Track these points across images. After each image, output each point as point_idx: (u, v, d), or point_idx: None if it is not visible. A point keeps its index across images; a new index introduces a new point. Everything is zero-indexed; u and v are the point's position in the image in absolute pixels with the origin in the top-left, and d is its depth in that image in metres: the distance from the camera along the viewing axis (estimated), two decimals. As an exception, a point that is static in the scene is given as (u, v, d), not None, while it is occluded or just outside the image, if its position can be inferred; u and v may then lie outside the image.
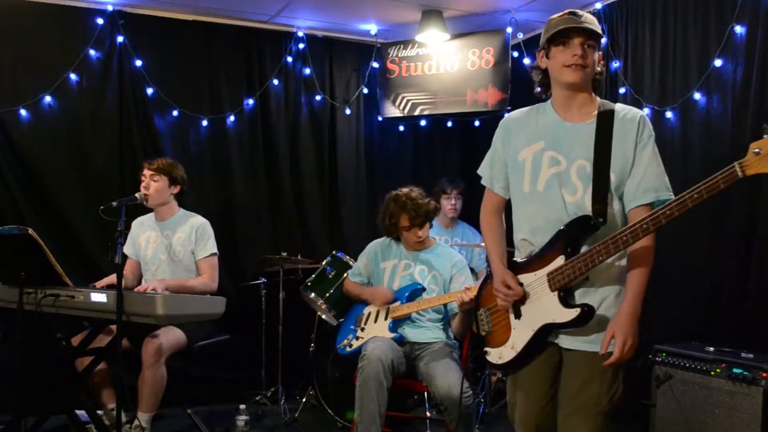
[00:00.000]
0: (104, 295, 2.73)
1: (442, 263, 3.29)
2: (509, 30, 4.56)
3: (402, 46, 4.83)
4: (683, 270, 3.59)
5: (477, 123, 5.03)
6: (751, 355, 2.89)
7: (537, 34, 4.73)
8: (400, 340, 3.16)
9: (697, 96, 3.54)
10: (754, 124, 3.25)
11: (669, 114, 3.68)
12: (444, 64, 4.74)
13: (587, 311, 1.90)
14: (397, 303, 3.22)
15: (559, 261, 1.95)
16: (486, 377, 4.03)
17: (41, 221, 4.08)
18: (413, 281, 3.26)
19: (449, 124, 5.14)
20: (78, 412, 3.12)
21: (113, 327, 2.92)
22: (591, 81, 2.03)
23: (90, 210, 3.77)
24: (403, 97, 4.84)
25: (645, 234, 1.80)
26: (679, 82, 3.66)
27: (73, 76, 4.22)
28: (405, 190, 3.31)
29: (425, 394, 3.22)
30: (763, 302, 3.18)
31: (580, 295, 1.98)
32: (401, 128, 5.16)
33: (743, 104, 3.33)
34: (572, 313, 1.91)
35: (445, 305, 3.20)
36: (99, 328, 3.11)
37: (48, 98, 4.16)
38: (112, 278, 3.24)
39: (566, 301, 1.94)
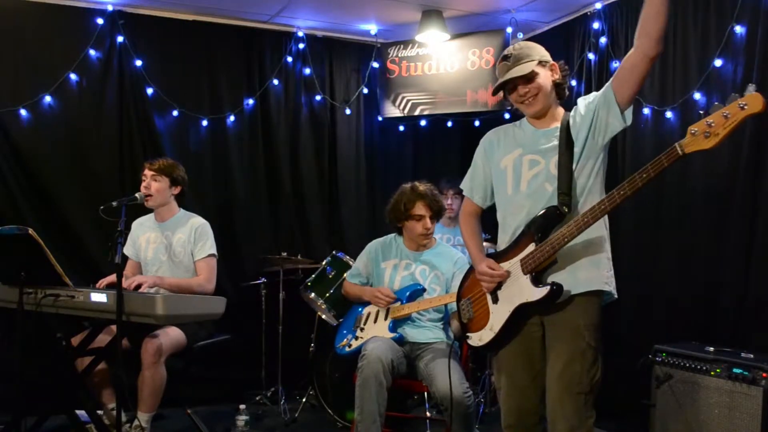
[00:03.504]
0: (104, 295, 2.72)
1: (443, 262, 3.28)
2: (509, 30, 4.55)
3: (402, 46, 4.83)
4: (683, 270, 3.59)
5: (477, 123, 5.03)
6: (751, 355, 2.89)
7: (537, 34, 4.74)
8: (400, 340, 3.16)
9: (697, 96, 3.53)
10: (754, 124, 3.24)
11: (669, 114, 3.68)
12: (444, 64, 4.74)
13: (556, 289, 2.10)
14: (398, 303, 3.22)
15: (530, 247, 2.17)
16: (486, 377, 4.03)
17: (41, 221, 4.08)
18: (414, 281, 3.26)
19: (449, 124, 5.13)
20: (78, 412, 3.11)
21: (113, 327, 2.91)
22: (553, 94, 2.27)
23: (90, 210, 3.77)
24: (403, 97, 4.84)
25: (603, 213, 2.02)
26: (679, 82, 3.66)
27: (73, 76, 4.22)
28: (422, 184, 3.31)
29: (425, 394, 3.22)
30: (763, 302, 3.18)
31: (550, 277, 2.17)
32: (401, 128, 5.16)
33: (743, 104, 3.32)
34: (543, 291, 2.11)
35: (445, 305, 3.20)
36: (99, 328, 3.11)
37: (48, 98, 4.16)
38: (113, 278, 3.23)
39: (537, 281, 2.15)
